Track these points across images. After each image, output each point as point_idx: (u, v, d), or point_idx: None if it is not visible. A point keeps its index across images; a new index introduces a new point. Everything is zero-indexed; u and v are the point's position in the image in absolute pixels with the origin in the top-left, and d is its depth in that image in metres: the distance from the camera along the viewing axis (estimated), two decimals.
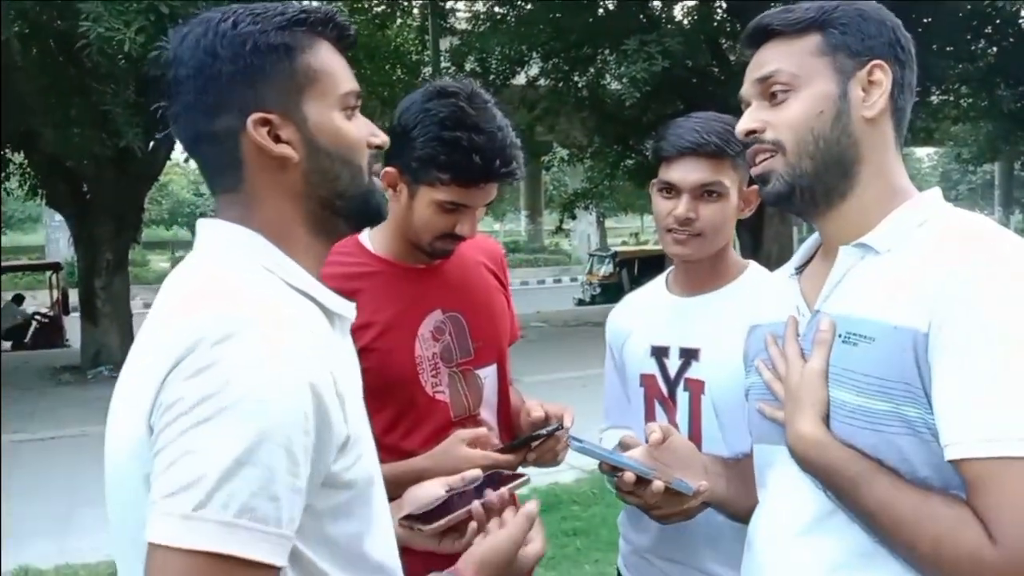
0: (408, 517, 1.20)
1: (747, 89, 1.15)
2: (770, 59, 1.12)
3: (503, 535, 1.12)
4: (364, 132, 1.02)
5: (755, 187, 1.43)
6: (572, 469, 5.20)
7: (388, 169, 1.54)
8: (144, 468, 0.85)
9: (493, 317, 1.69)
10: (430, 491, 1.27)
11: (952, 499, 0.95)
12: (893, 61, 1.09)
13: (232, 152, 0.96)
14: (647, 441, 1.39)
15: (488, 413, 1.65)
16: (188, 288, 0.93)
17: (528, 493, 4.97)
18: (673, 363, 1.63)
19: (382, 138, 1.04)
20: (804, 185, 1.10)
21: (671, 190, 1.57)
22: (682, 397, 1.60)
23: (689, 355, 1.61)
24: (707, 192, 1.54)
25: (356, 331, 1.51)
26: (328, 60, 0.99)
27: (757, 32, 1.14)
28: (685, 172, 1.55)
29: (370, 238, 1.63)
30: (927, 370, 0.96)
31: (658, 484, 1.32)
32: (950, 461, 0.94)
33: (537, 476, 5.63)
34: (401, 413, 1.56)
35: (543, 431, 1.51)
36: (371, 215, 1.05)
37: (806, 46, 1.10)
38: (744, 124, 1.14)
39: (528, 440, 1.50)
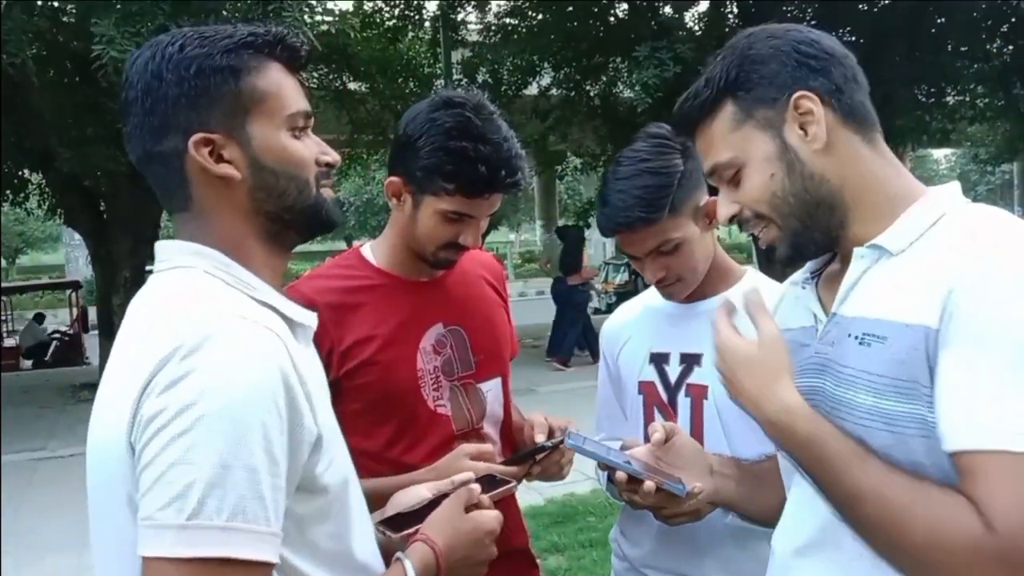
0: (382, 522, 1.20)
1: (706, 173, 1.15)
2: (704, 150, 1.13)
3: (452, 499, 1.16)
4: (313, 151, 1.05)
5: (715, 198, 1.42)
6: (588, 480, 5.14)
7: (392, 179, 1.54)
8: (126, 488, 0.88)
9: (495, 331, 1.68)
10: (417, 495, 1.28)
11: (947, 486, 0.92)
12: (812, 78, 1.05)
13: (179, 172, 1.00)
14: (647, 441, 1.37)
15: (491, 427, 1.63)
16: (154, 306, 0.96)
17: (544, 504, 4.95)
18: (673, 369, 1.61)
19: (332, 156, 1.08)
20: (805, 239, 1.10)
21: (633, 257, 1.59)
22: (683, 403, 1.59)
23: (691, 360, 1.59)
24: (661, 252, 1.53)
25: (358, 344, 1.52)
26: (276, 81, 1.02)
27: (681, 128, 1.15)
28: (636, 246, 1.55)
29: (372, 251, 1.63)
30: (935, 366, 0.94)
31: (648, 484, 1.30)
32: (946, 452, 0.92)
33: (553, 487, 5.63)
34: (403, 427, 1.55)
35: (547, 443, 1.50)
36: (321, 226, 1.08)
37: (725, 123, 1.09)
38: (723, 214, 1.15)
39: (532, 453, 1.49)
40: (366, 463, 1.53)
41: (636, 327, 1.71)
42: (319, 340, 1.50)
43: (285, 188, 1.02)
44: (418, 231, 1.53)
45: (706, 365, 1.57)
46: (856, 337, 1.03)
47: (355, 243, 1.66)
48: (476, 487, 1.19)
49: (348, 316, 1.53)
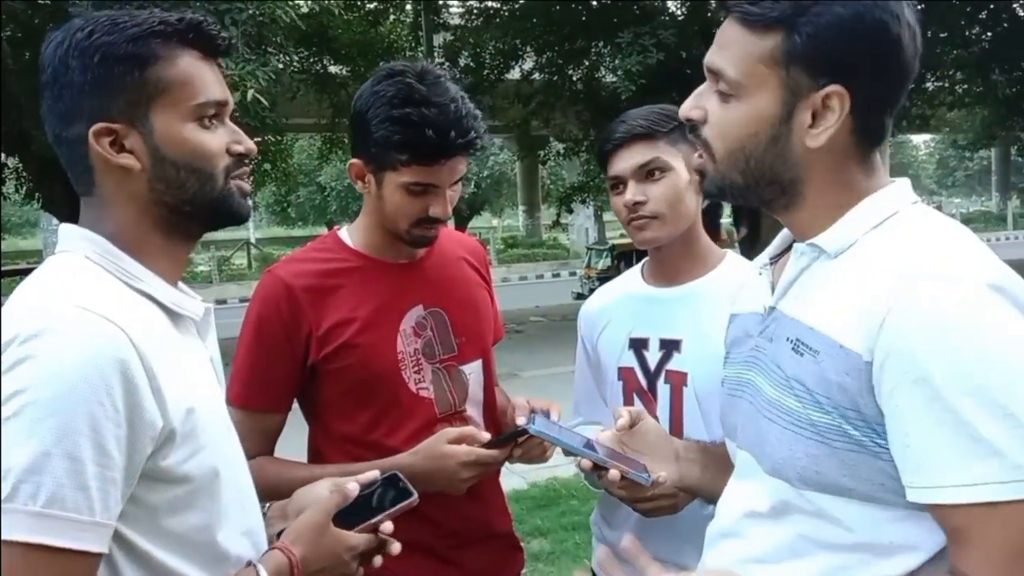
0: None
1: (707, 60, 1.02)
2: (725, 45, 1.00)
3: (318, 507, 1.13)
4: (224, 140, 1.04)
5: None
6: (571, 464, 5.18)
7: (353, 161, 1.53)
8: None
9: (476, 313, 1.67)
10: (318, 492, 1.22)
11: None
12: (864, 80, 0.95)
13: (82, 159, 1.00)
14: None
15: (474, 410, 1.63)
16: (22, 290, 0.97)
17: (527, 488, 4.97)
18: (653, 355, 1.60)
19: (246, 145, 1.06)
20: (735, 193, 1.05)
21: (618, 184, 1.58)
22: (663, 389, 1.58)
23: (671, 346, 1.58)
24: (649, 172, 1.54)
25: (336, 327, 1.51)
26: (185, 71, 1.00)
27: (725, 8, 1.01)
28: (624, 160, 1.56)
29: (349, 233, 1.61)
30: (871, 400, 0.91)
31: (613, 472, 1.30)
32: (919, 503, 0.90)
33: (535, 471, 5.65)
34: (384, 410, 1.54)
35: (527, 426, 1.49)
36: (225, 218, 1.07)
37: (761, 49, 0.96)
38: (685, 108, 1.05)
39: (514, 435, 1.48)
40: (347, 447, 1.53)
41: (615, 311, 1.69)
42: (297, 323, 1.49)
43: (185, 180, 1.02)
44: (387, 210, 1.51)
45: (685, 351, 1.56)
46: (791, 342, 1.00)
47: (334, 227, 1.64)
48: (354, 488, 1.15)
49: (326, 299, 1.52)
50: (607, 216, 37.31)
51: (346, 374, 1.51)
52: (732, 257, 1.65)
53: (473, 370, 1.63)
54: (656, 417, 1.53)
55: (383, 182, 1.50)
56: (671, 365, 1.58)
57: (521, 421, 1.49)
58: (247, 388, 1.53)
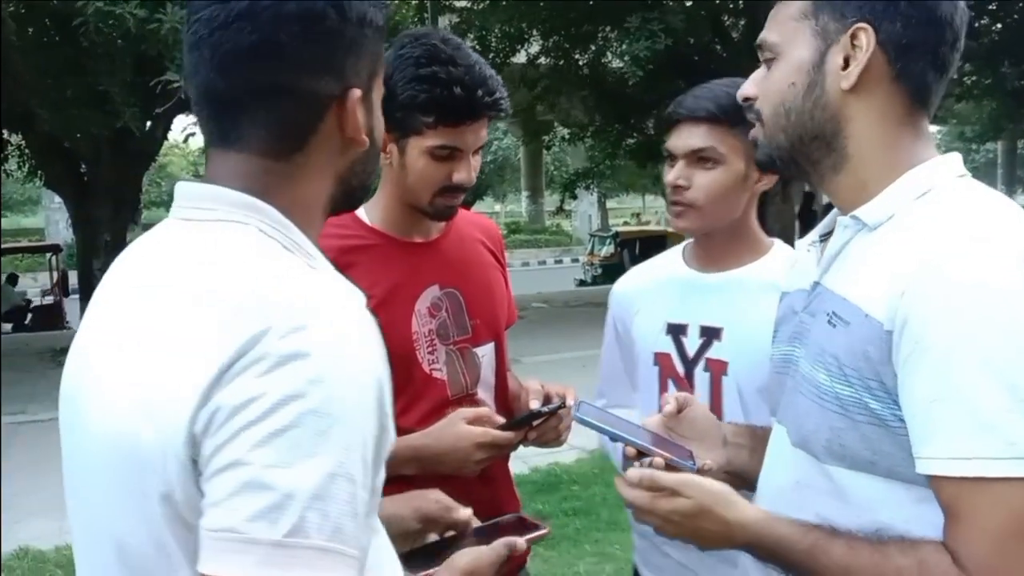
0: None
1: (758, 40, 1.09)
2: (769, 20, 1.07)
3: (486, 552, 1.09)
4: None
5: (771, 176, 1.39)
6: (572, 449, 5.20)
7: None
8: (160, 486, 0.72)
9: (491, 295, 1.65)
10: (401, 524, 1.18)
11: (907, 546, 0.92)
12: (887, 18, 0.97)
13: (312, 119, 0.85)
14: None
15: (486, 392, 1.62)
16: (213, 267, 0.78)
17: (528, 473, 4.98)
18: (692, 342, 1.57)
19: None
20: (783, 157, 1.07)
21: (672, 158, 1.54)
22: (701, 377, 1.55)
23: (711, 334, 1.55)
24: (701, 159, 1.50)
25: None
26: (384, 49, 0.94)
27: None
28: (681, 138, 1.52)
29: (365, 211, 1.59)
30: (890, 370, 0.92)
31: (657, 460, 1.28)
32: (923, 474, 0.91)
33: (537, 456, 5.65)
34: (397, 390, 1.51)
35: (544, 409, 1.48)
36: (360, 204, 1.00)
37: (793, 8, 1.03)
38: (742, 90, 1.11)
39: (529, 418, 1.47)
40: None
41: (652, 295, 1.65)
42: None
43: (374, 166, 0.96)
44: (409, 180, 1.49)
45: (726, 340, 1.53)
46: (827, 315, 1.01)
47: None
48: (522, 543, 1.12)
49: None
50: (611, 203, 37.24)
51: None
52: (780, 246, 1.62)
53: (486, 353, 1.62)
54: None
55: (406, 149, 1.48)
56: (711, 353, 1.55)
57: (535, 405, 1.47)
58: None
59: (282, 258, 0.80)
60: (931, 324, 0.88)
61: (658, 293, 1.64)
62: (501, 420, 1.48)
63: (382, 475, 0.79)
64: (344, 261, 1.50)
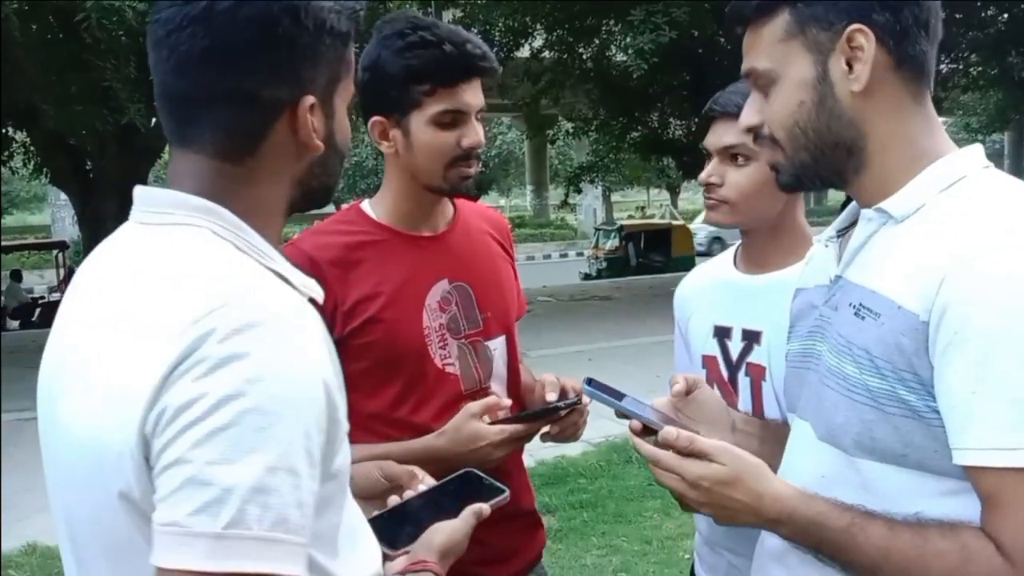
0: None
1: (742, 70, 1.08)
2: (748, 50, 1.06)
3: (459, 526, 1.11)
4: None
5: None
6: (579, 442, 5.20)
7: (374, 120, 1.50)
8: (118, 484, 0.76)
9: (501, 288, 1.64)
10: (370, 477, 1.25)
11: (947, 529, 0.91)
12: (877, 11, 0.97)
13: (262, 124, 0.87)
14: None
15: (498, 386, 1.61)
16: (165, 270, 0.82)
17: (535, 466, 4.99)
18: (735, 345, 1.55)
19: None
20: (809, 175, 1.06)
21: (708, 155, 1.54)
22: (743, 382, 1.53)
23: (751, 338, 1.53)
24: (734, 155, 1.49)
25: (361, 302, 1.48)
26: (352, 55, 0.95)
27: (732, 20, 1.07)
28: (716, 136, 1.51)
29: (372, 206, 1.58)
30: (926, 361, 0.91)
31: (661, 435, 1.28)
32: (960, 466, 0.90)
33: (543, 449, 5.65)
34: (410, 386, 1.52)
35: (558, 403, 1.46)
36: (326, 203, 1.02)
37: (775, 31, 1.02)
38: (744, 121, 1.11)
39: (544, 412, 1.46)
40: (371, 424, 1.51)
41: (704, 296, 1.65)
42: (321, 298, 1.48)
43: (337, 169, 0.97)
44: (419, 159, 1.48)
45: (764, 344, 1.51)
46: (853, 307, 1.00)
47: (358, 200, 1.61)
48: (487, 509, 1.15)
49: (350, 273, 1.49)
50: (615, 197, 37.16)
51: (371, 350, 1.49)
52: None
53: (497, 346, 1.61)
54: (737, 410, 1.48)
55: (409, 127, 1.47)
56: (751, 358, 1.53)
57: (552, 397, 1.45)
58: None
59: (232, 260, 0.83)
60: (970, 315, 0.88)
61: (708, 295, 1.64)
62: (509, 402, 1.48)
63: (341, 460, 0.85)
64: (353, 258, 1.50)
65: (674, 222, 19.74)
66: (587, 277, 17.55)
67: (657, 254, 17.35)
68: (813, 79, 1.00)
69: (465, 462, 1.39)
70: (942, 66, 11.66)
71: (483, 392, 1.57)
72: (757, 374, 1.52)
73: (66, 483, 0.84)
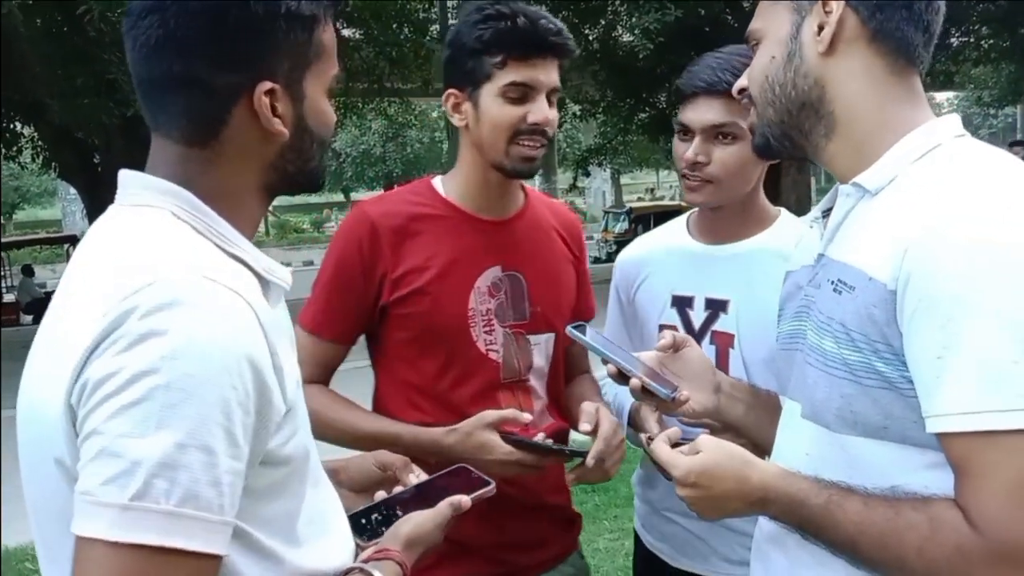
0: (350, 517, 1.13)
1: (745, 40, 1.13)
2: (756, 11, 1.10)
3: (429, 516, 1.10)
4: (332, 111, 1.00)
5: None
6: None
7: (448, 92, 1.52)
8: (55, 452, 0.80)
9: (557, 285, 1.62)
10: (365, 470, 1.27)
11: (919, 502, 0.91)
12: None
13: (221, 110, 0.89)
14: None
15: (537, 380, 1.59)
16: (111, 251, 0.86)
17: None
18: (698, 314, 1.56)
19: (334, 116, 1.02)
20: (776, 134, 1.08)
21: (686, 132, 1.52)
22: (708, 351, 1.53)
23: (717, 306, 1.54)
24: (720, 134, 1.47)
25: (411, 272, 1.50)
26: (331, 38, 0.96)
27: None
28: (698, 112, 1.49)
29: (442, 182, 1.59)
30: (896, 330, 0.91)
31: (634, 381, 1.26)
32: (933, 434, 0.90)
33: None
34: (449, 363, 1.53)
35: (564, 448, 1.41)
36: (314, 188, 1.03)
37: None
38: (738, 83, 1.14)
39: (548, 450, 1.42)
40: (410, 395, 1.53)
41: (657, 265, 1.64)
42: (374, 262, 1.49)
43: (314, 151, 0.97)
44: (484, 132, 1.48)
45: (732, 312, 1.52)
46: (832, 283, 1.01)
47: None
48: (467, 501, 1.14)
49: (405, 242, 1.51)
50: (624, 179, 37.02)
51: (413, 320, 1.51)
52: (786, 216, 1.60)
53: (540, 341, 1.58)
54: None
55: (479, 100, 1.47)
56: (717, 326, 1.54)
57: (584, 428, 1.40)
58: (322, 316, 1.54)
59: (182, 241, 0.86)
60: (935, 280, 0.87)
61: (663, 265, 1.63)
62: (528, 418, 1.45)
63: (293, 447, 0.88)
64: (412, 228, 1.52)
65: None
66: (596, 260, 17.53)
67: None
68: (786, 36, 1.04)
69: (473, 464, 1.38)
70: (952, 39, 11.53)
71: (521, 383, 1.56)
72: (724, 342, 1.53)
73: (24, 455, 0.88)
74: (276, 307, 0.96)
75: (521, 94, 1.45)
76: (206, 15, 0.86)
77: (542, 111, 1.46)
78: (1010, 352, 0.84)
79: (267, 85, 0.89)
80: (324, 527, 0.97)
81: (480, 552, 1.54)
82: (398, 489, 1.21)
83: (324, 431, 1.40)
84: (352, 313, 1.53)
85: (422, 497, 1.17)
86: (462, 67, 1.48)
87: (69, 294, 0.86)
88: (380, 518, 1.13)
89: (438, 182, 1.59)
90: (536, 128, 1.46)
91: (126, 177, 0.93)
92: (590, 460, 1.38)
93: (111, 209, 0.92)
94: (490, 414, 1.43)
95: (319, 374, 1.54)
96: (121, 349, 0.76)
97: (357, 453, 1.38)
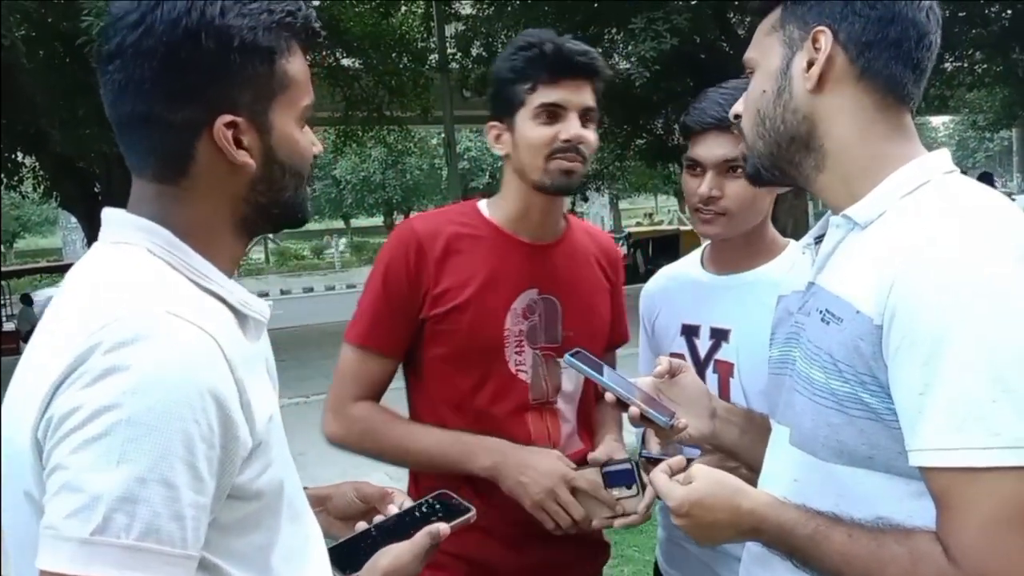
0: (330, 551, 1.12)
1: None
2: (752, 41, 1.12)
3: (407, 548, 1.10)
4: (310, 143, 1.00)
5: None
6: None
7: (490, 124, 1.58)
8: (24, 484, 0.81)
9: (592, 313, 1.65)
10: (348, 499, 1.27)
11: (902, 535, 0.93)
12: (845, 20, 1.01)
13: (185, 146, 0.90)
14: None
15: (565, 405, 1.62)
16: (84, 288, 0.88)
17: None
18: (703, 343, 1.58)
19: (319, 147, 1.03)
20: (766, 165, 1.09)
21: (696, 167, 1.54)
22: (711, 379, 1.55)
23: (719, 336, 1.56)
24: (732, 168, 1.49)
25: (451, 290, 1.54)
26: (300, 69, 0.96)
27: (750, 12, 1.15)
28: (708, 148, 1.51)
29: (487, 205, 1.63)
30: (882, 364, 0.93)
31: (633, 409, 1.27)
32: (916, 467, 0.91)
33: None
34: (482, 381, 1.56)
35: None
36: (297, 222, 1.03)
37: (766, 23, 1.09)
38: (734, 108, 1.16)
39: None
40: (443, 412, 1.56)
41: (671, 296, 1.69)
42: (419, 276, 1.53)
43: (287, 183, 0.97)
44: (523, 155, 1.53)
45: (733, 341, 1.55)
46: (820, 312, 1.02)
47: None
48: (446, 529, 1.14)
49: (448, 260, 1.55)
50: (623, 204, 37.17)
51: (451, 337, 1.54)
52: (793, 247, 1.62)
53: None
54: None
55: (515, 126, 1.53)
56: (719, 355, 1.56)
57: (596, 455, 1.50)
58: (370, 328, 1.57)
59: (152, 277, 0.88)
60: (919, 317, 0.89)
61: (676, 295, 1.67)
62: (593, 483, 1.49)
63: (266, 481, 0.89)
64: (455, 247, 1.56)
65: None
66: None
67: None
68: (777, 70, 1.06)
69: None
70: (947, 64, 11.63)
71: (548, 406, 1.59)
72: (724, 371, 1.55)
73: (3, 486, 0.89)
74: (256, 340, 0.96)
75: (552, 114, 1.50)
76: (159, 53, 0.87)
77: (574, 128, 1.50)
78: (989, 391, 0.85)
79: (227, 118, 0.90)
80: (302, 562, 0.97)
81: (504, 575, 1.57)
82: (379, 518, 1.21)
83: (408, 458, 1.53)
84: (400, 324, 1.56)
85: (398, 527, 1.17)
86: (499, 98, 1.54)
87: (45, 330, 0.88)
88: (362, 548, 1.13)
89: (483, 204, 1.63)
90: (570, 145, 1.50)
91: (108, 215, 0.95)
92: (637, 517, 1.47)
93: (93, 246, 0.94)
94: (569, 472, 1.47)
95: (367, 390, 1.57)
96: (85, 384, 0.77)
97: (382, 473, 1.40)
